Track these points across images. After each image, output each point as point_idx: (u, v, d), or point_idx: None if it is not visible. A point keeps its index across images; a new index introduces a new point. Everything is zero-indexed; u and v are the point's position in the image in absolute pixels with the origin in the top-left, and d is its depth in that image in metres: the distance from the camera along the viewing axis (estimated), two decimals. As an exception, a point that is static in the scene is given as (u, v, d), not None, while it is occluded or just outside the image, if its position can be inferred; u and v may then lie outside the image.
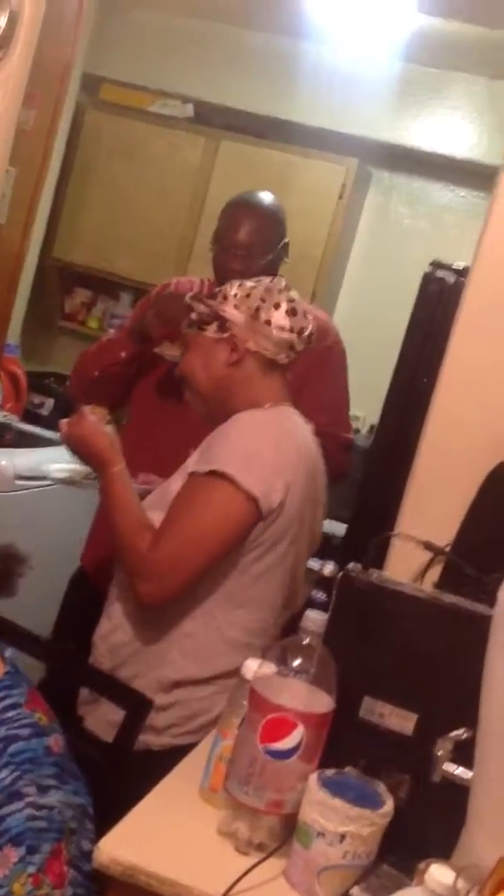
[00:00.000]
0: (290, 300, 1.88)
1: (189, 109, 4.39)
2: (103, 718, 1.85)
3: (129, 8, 4.27)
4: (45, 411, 4.06)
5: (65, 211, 4.39)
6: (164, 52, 4.31)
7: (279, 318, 1.86)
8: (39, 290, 4.43)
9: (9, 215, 2.93)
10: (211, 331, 1.90)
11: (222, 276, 2.54)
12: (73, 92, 4.07)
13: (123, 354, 2.53)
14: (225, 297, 1.90)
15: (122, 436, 1.98)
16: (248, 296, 1.88)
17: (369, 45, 3.91)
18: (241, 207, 2.58)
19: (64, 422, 1.98)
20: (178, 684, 1.82)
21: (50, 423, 3.82)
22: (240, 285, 1.91)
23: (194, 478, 1.80)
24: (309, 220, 3.75)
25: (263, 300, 1.87)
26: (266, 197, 2.63)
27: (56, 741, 1.47)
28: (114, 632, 1.91)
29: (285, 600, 1.91)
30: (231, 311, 1.88)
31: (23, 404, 3.78)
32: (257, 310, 1.86)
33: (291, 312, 1.87)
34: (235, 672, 1.79)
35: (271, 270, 2.53)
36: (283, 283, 1.91)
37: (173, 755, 1.70)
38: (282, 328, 1.86)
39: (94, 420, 1.94)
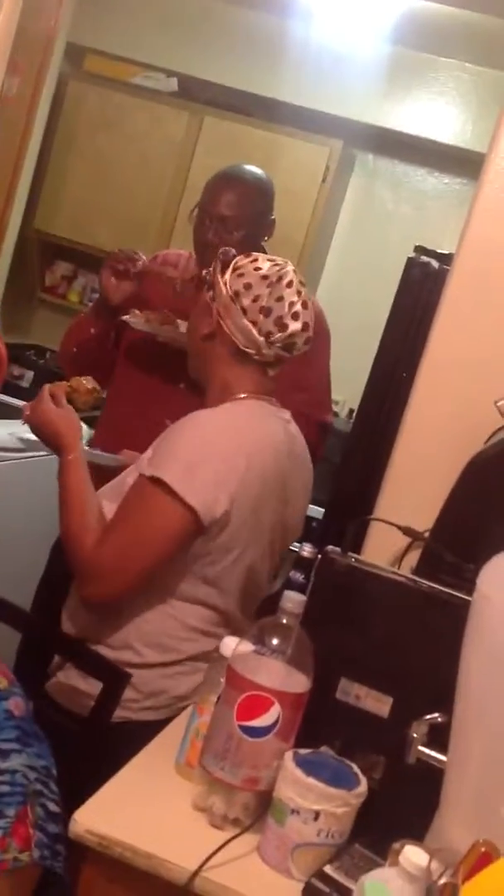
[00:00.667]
0: (277, 298, 1.77)
1: (173, 83, 4.36)
2: (67, 684, 1.86)
3: (117, -22, 4.24)
4: (24, 383, 4.04)
5: (46, 182, 4.36)
6: (149, 24, 4.27)
7: (252, 311, 1.77)
8: (20, 262, 4.39)
9: (-9, 184, 2.91)
10: (208, 295, 1.85)
11: (198, 247, 2.54)
12: (57, 62, 4.03)
13: (93, 331, 2.54)
14: (227, 267, 1.82)
15: (105, 407, 1.97)
16: (241, 275, 1.79)
17: (358, 25, 3.90)
18: (222, 179, 2.55)
19: (26, 405, 1.96)
20: (140, 667, 1.81)
21: (30, 396, 3.80)
22: (251, 260, 1.81)
23: (141, 480, 1.76)
24: (292, 201, 3.73)
25: (248, 287, 1.78)
26: (251, 171, 2.60)
27: (16, 704, 1.47)
28: (78, 609, 1.89)
29: (245, 594, 1.89)
30: (221, 284, 1.81)
31: (2, 376, 3.75)
32: (237, 293, 1.78)
33: (265, 312, 1.77)
34: (200, 656, 1.82)
35: (249, 246, 2.52)
36: (287, 278, 1.78)
37: (134, 730, 1.74)
38: (252, 322, 1.78)
39: (51, 405, 1.90)
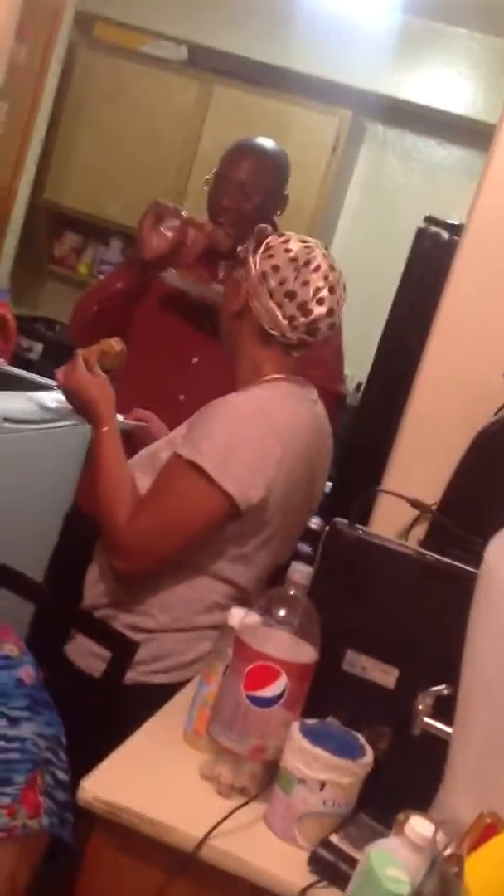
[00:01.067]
0: (303, 283, 1.75)
1: (182, 52, 4.32)
2: (84, 649, 1.88)
3: None
4: (34, 356, 4.04)
5: (55, 152, 4.33)
6: (159, -8, 4.24)
7: (278, 294, 1.76)
8: (29, 234, 4.38)
9: (0, 150, 2.89)
10: (239, 272, 1.84)
11: (211, 211, 2.54)
12: (67, 30, 4.00)
13: (120, 285, 2.52)
14: (260, 246, 1.80)
15: (118, 373, 1.97)
16: (270, 256, 1.77)
17: (369, -6, 3.87)
18: (243, 147, 2.58)
19: (60, 371, 1.94)
20: (151, 631, 1.83)
21: (39, 368, 3.80)
22: (283, 241, 1.80)
23: (177, 461, 1.75)
24: (301, 172, 3.68)
25: (276, 269, 1.76)
26: (271, 144, 2.62)
27: (27, 672, 1.49)
28: (99, 579, 1.91)
29: (267, 571, 1.90)
30: (251, 263, 1.80)
31: (11, 348, 3.75)
32: (264, 274, 1.77)
33: (290, 295, 1.76)
34: (211, 628, 1.82)
35: (263, 215, 2.52)
36: (314, 263, 1.76)
37: (140, 693, 1.76)
38: (277, 304, 1.76)
39: (85, 372, 1.88)
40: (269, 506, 1.77)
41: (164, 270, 2.47)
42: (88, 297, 2.63)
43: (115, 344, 1.99)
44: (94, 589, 1.92)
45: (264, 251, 1.79)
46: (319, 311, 1.77)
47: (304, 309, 1.77)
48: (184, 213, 2.49)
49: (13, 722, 1.41)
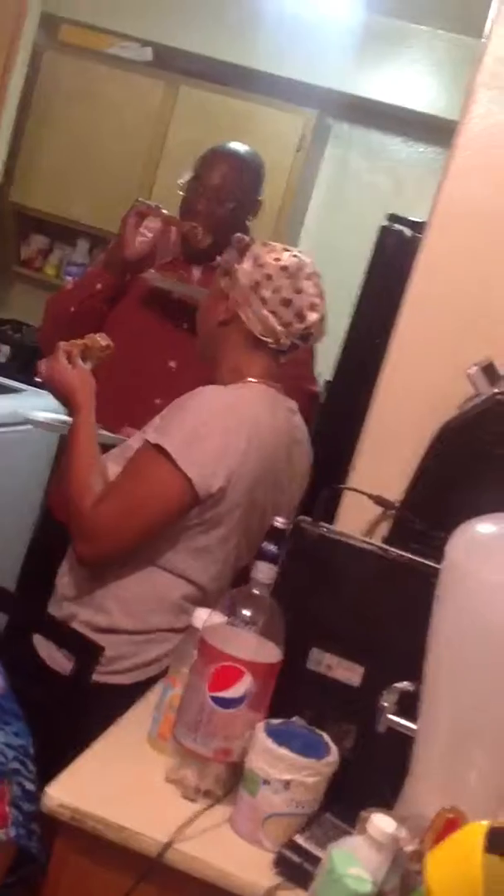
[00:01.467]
0: (297, 290, 1.82)
1: (148, 53, 4.31)
2: (53, 650, 1.88)
3: None
4: (1, 358, 4.01)
5: (22, 154, 4.31)
6: (124, -7, 4.22)
7: (273, 302, 1.81)
8: (-6, 235, 4.36)
9: (-37, 157, 2.87)
10: (224, 282, 1.88)
11: (185, 216, 2.54)
12: (31, 32, 3.97)
13: (99, 286, 2.52)
14: (243, 255, 1.85)
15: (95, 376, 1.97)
16: (261, 265, 1.82)
17: (332, -7, 3.87)
18: (219, 152, 2.60)
19: (42, 362, 1.98)
20: (108, 631, 1.84)
21: (6, 371, 3.79)
22: (269, 250, 1.84)
23: (145, 446, 1.80)
24: (267, 171, 3.71)
25: (269, 277, 1.81)
26: (247, 149, 2.64)
27: None
28: (66, 574, 1.94)
29: (228, 572, 1.91)
30: (240, 273, 1.83)
31: (-22, 351, 3.74)
32: (257, 284, 1.81)
33: (285, 303, 1.81)
34: (167, 630, 1.84)
35: (236, 220, 2.52)
36: (306, 270, 1.84)
37: (99, 693, 1.77)
38: (272, 312, 1.82)
39: (66, 363, 1.93)
40: (229, 497, 1.79)
41: (143, 271, 2.48)
42: (63, 298, 2.62)
43: (100, 339, 2.01)
44: (61, 581, 1.94)
45: (253, 261, 1.83)
46: (313, 317, 1.84)
47: (300, 315, 1.83)
48: (164, 212, 2.49)
49: None
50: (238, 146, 2.63)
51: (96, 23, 4.30)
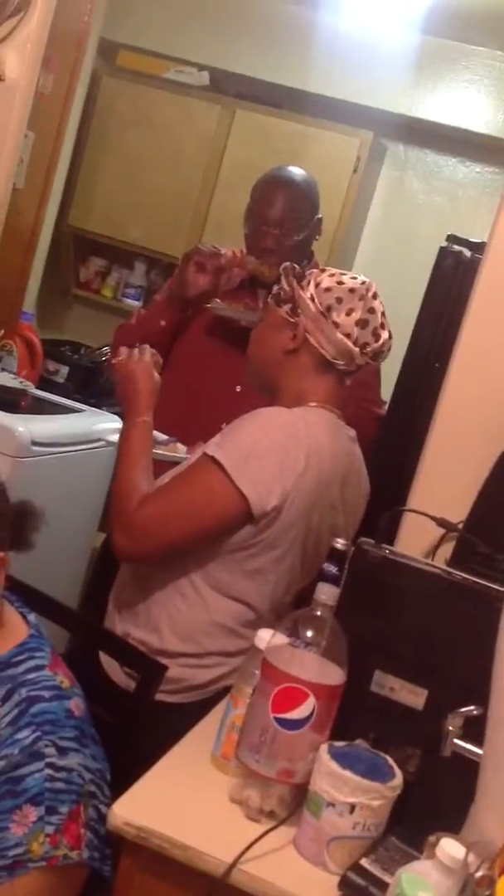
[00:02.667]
0: (369, 310, 1.83)
1: (205, 77, 4.35)
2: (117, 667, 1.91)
3: (147, -26, 4.24)
4: (59, 379, 4.06)
5: (80, 178, 4.37)
6: (180, 19, 4.27)
7: (347, 324, 1.82)
8: (55, 259, 4.42)
9: (26, 181, 2.93)
10: (284, 310, 1.89)
11: (256, 254, 2.55)
12: (90, 58, 4.04)
13: (163, 323, 2.55)
14: (308, 282, 1.86)
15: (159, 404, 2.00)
16: (328, 290, 1.83)
17: (387, 15, 3.88)
18: (273, 183, 2.57)
19: (124, 349, 2.01)
20: (159, 653, 1.85)
21: (65, 391, 3.84)
22: (330, 275, 1.86)
23: (202, 458, 1.81)
24: (323, 193, 3.71)
25: (340, 301, 1.82)
26: (298, 172, 2.63)
27: (76, 705, 1.50)
28: (121, 590, 1.97)
29: (282, 595, 1.91)
30: (306, 300, 1.85)
31: (38, 371, 3.78)
32: (329, 308, 1.82)
33: (362, 324, 1.82)
34: (217, 654, 1.85)
35: (304, 248, 2.54)
36: (372, 290, 1.85)
37: (158, 711, 1.77)
38: (347, 335, 1.82)
39: (147, 364, 1.97)
40: (284, 518, 1.79)
41: (206, 303, 2.50)
42: (128, 333, 2.66)
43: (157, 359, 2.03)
44: (116, 597, 1.97)
45: (318, 286, 1.84)
46: (385, 335, 1.86)
47: (376, 335, 1.84)
48: (224, 252, 2.50)
49: (62, 752, 1.41)
50: (291, 171, 2.62)
51: (153, 48, 4.36)
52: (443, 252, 2.42)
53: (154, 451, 2.02)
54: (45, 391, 3.65)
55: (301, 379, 1.89)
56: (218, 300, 2.51)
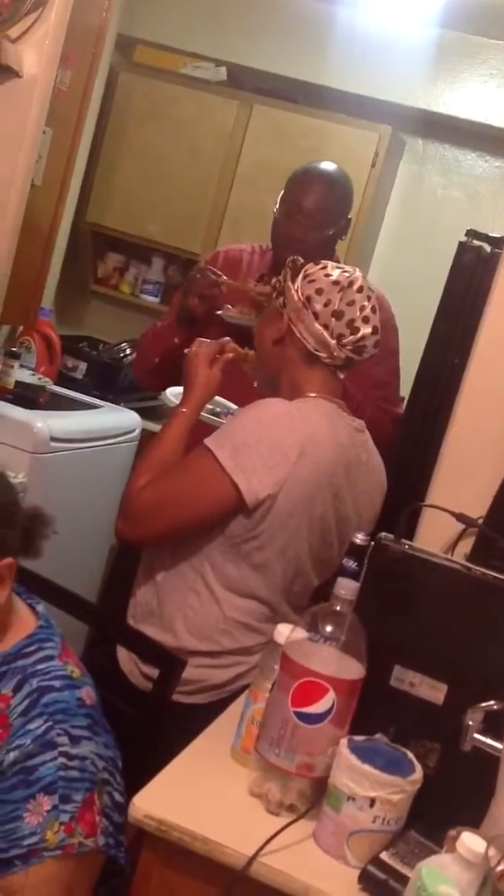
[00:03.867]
0: (348, 302, 1.82)
1: (222, 73, 4.35)
2: (135, 666, 1.92)
3: (165, -31, 4.24)
4: (78, 375, 4.07)
5: (98, 174, 4.38)
6: (198, 14, 4.27)
7: (324, 315, 1.83)
8: (73, 255, 4.43)
9: (44, 177, 2.93)
10: (278, 302, 1.91)
11: (281, 241, 2.54)
12: (107, 54, 4.04)
13: (177, 341, 2.57)
14: (297, 274, 1.88)
15: None
16: (312, 281, 1.85)
17: (405, 9, 3.87)
18: (313, 175, 2.56)
19: (199, 340, 2.05)
20: (176, 652, 1.84)
21: (83, 387, 3.85)
22: (321, 268, 1.87)
23: (199, 447, 1.84)
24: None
25: (320, 292, 1.83)
26: (336, 169, 2.61)
27: (87, 693, 1.50)
28: (137, 592, 1.98)
29: (293, 588, 1.92)
30: (291, 290, 1.87)
31: (57, 367, 3.80)
32: (309, 298, 1.84)
33: (337, 315, 1.82)
34: (235, 652, 1.87)
35: (329, 245, 2.53)
36: (357, 284, 1.84)
37: (176, 711, 1.79)
38: (324, 325, 1.83)
39: (209, 354, 1.99)
40: (282, 506, 1.80)
41: (214, 314, 2.50)
42: (148, 349, 2.71)
43: (237, 350, 2.05)
44: (133, 598, 1.99)
45: (304, 278, 1.86)
46: (366, 329, 1.83)
47: (352, 327, 1.83)
48: (222, 281, 2.50)
49: (74, 740, 1.42)
50: (329, 166, 2.60)
51: (170, 43, 4.36)
52: (462, 247, 2.41)
53: (208, 415, 2.06)
54: (64, 387, 3.66)
55: (293, 370, 1.90)
56: (229, 306, 2.51)
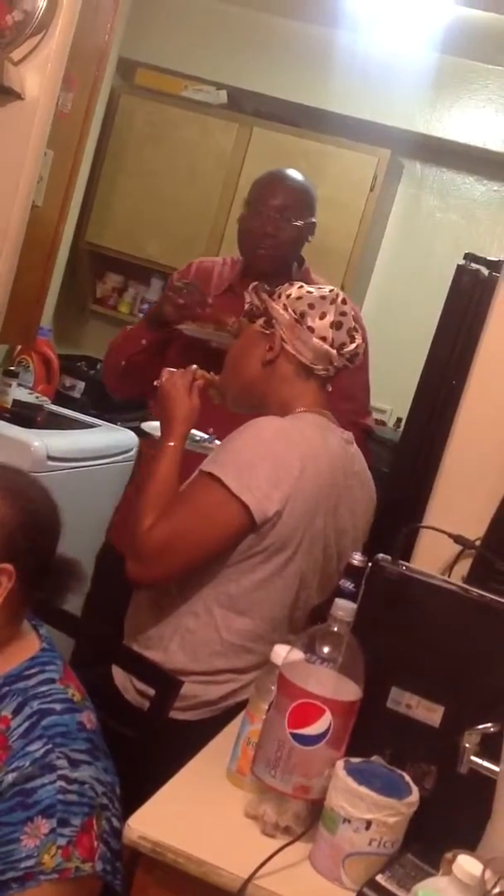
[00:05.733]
0: (341, 313, 1.88)
1: (222, 96, 4.38)
2: (130, 683, 1.91)
3: (166, -7, 4.28)
4: (76, 394, 4.08)
5: (98, 195, 4.40)
6: (198, 37, 4.30)
7: (322, 328, 1.87)
8: (72, 274, 4.44)
9: (45, 198, 2.94)
10: (258, 324, 1.93)
11: (251, 241, 2.57)
12: (109, 76, 4.07)
13: (144, 342, 2.58)
14: (279, 295, 1.92)
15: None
16: (300, 298, 1.89)
17: (405, 35, 3.90)
18: (275, 176, 2.65)
19: (168, 370, 2.03)
20: (171, 672, 1.84)
21: (81, 406, 3.86)
22: (299, 287, 1.92)
23: (200, 475, 1.84)
24: (340, 211, 3.74)
25: (312, 306, 1.87)
26: (297, 173, 2.68)
27: (88, 718, 1.50)
28: (135, 615, 1.98)
29: (291, 608, 1.91)
30: (279, 310, 1.90)
31: (54, 386, 3.81)
32: (302, 314, 1.87)
33: (336, 326, 1.87)
34: (230, 671, 1.86)
35: (298, 242, 2.57)
36: (341, 296, 1.91)
37: (170, 728, 1.78)
38: (322, 339, 1.87)
39: (186, 384, 1.98)
40: (286, 520, 1.81)
41: (182, 323, 2.52)
42: (115, 352, 2.71)
43: (204, 375, 2.04)
44: (128, 622, 1.98)
45: (288, 296, 1.90)
46: (359, 338, 1.91)
47: (350, 336, 1.89)
48: (209, 303, 2.52)
49: (74, 764, 1.41)
50: (289, 170, 2.69)
51: (171, 66, 4.39)
52: (460, 270, 2.43)
53: (187, 447, 2.03)
54: (61, 406, 3.67)
55: (283, 388, 1.92)
56: (189, 321, 2.53)
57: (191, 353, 2.55)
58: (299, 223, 2.55)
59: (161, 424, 1.99)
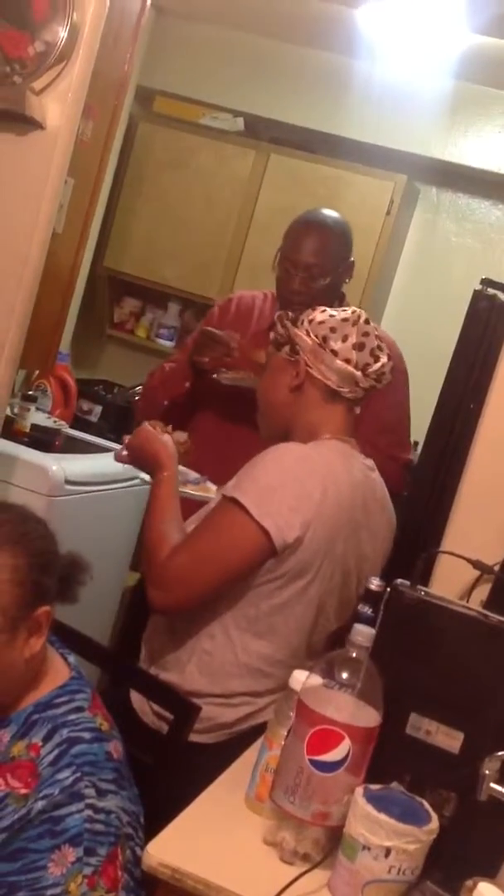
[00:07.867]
0: (363, 334, 1.89)
1: (240, 123, 4.42)
2: (148, 708, 1.92)
3: (184, 22, 4.32)
4: (93, 418, 4.10)
5: (116, 221, 4.43)
6: (216, 66, 4.34)
7: (345, 350, 1.88)
8: (90, 299, 4.47)
9: (65, 225, 2.98)
10: (284, 352, 1.95)
11: (284, 296, 2.58)
12: (128, 104, 4.12)
13: (188, 384, 2.59)
14: (302, 322, 1.93)
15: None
16: (321, 323, 1.90)
17: (421, 61, 3.93)
18: (303, 227, 2.61)
19: (126, 439, 2.08)
20: (188, 694, 1.85)
21: (98, 430, 3.87)
22: (322, 311, 1.93)
23: (221, 500, 1.85)
24: (356, 235, 3.72)
25: (334, 330, 1.89)
26: (332, 216, 2.65)
27: (115, 747, 1.50)
28: (152, 637, 1.99)
29: (309, 633, 1.91)
30: (302, 336, 1.91)
31: (72, 411, 3.83)
32: (325, 339, 1.89)
33: (358, 347, 1.88)
34: (245, 694, 1.86)
35: (333, 291, 2.57)
36: (363, 317, 1.92)
37: (187, 751, 1.78)
38: (346, 361, 1.88)
39: (151, 430, 2.03)
40: (306, 546, 1.81)
41: (211, 375, 2.54)
42: (157, 390, 2.72)
43: (180, 435, 2.07)
44: (146, 645, 1.99)
45: (311, 322, 1.91)
46: (383, 357, 1.91)
47: (374, 356, 1.90)
48: (236, 345, 2.54)
49: (101, 793, 1.42)
50: (323, 215, 2.65)
51: (189, 94, 4.43)
52: (477, 295, 2.43)
53: (183, 489, 2.06)
54: (79, 430, 3.69)
55: (310, 413, 1.94)
56: (224, 369, 2.54)
57: (220, 399, 2.58)
58: (327, 280, 2.55)
59: (147, 466, 2.02)
